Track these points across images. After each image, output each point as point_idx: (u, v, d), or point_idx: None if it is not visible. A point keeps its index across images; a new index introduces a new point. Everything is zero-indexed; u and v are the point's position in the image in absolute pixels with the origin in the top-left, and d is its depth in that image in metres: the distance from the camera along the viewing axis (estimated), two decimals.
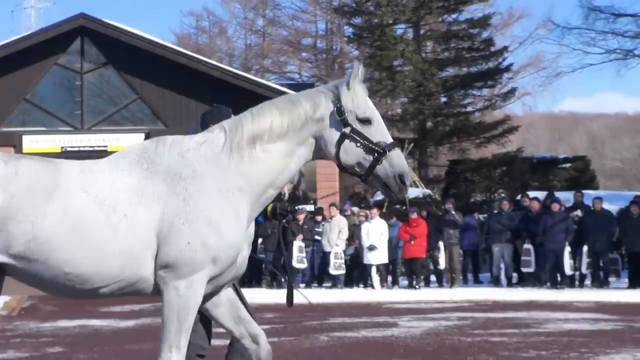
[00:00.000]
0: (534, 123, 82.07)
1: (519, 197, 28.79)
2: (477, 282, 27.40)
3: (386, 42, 43.41)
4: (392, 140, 6.01)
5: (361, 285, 25.99)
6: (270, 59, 64.79)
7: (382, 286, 25.66)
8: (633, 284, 24.07)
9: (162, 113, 31.68)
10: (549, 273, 24.57)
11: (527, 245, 24.86)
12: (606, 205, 25.93)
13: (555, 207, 24.63)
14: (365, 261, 25.67)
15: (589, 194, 29.83)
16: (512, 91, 48.13)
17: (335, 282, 25.72)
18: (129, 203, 5.78)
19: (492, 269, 26.51)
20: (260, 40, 66.11)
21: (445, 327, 15.32)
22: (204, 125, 7.30)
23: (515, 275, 26.19)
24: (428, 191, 37.40)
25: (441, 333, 14.19)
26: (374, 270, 25.76)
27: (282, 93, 32.63)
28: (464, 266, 27.45)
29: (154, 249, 5.79)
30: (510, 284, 25.62)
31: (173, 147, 6.00)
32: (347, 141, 5.96)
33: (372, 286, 25.62)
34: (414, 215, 25.80)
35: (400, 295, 23.29)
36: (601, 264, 24.87)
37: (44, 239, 5.70)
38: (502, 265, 26.17)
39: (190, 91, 31.51)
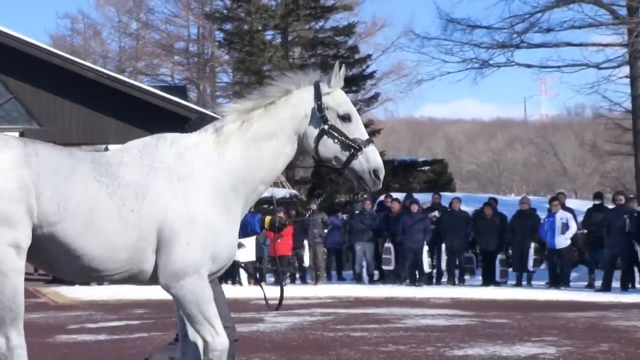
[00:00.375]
0: (396, 127, 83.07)
1: (381, 198, 29.05)
2: (341, 279, 27.58)
3: (255, 48, 43.41)
4: (367, 137, 6.20)
5: (229, 282, 25.90)
6: (144, 61, 64.30)
7: (250, 283, 25.61)
8: (486, 282, 24.59)
9: (37, 112, 31.04)
10: (408, 271, 24.90)
11: (388, 244, 25.18)
12: (462, 207, 26.38)
13: (415, 208, 24.96)
14: (234, 259, 25.57)
15: (446, 195, 30.31)
16: (375, 97, 48.62)
17: None
18: (136, 198, 5.83)
19: (354, 267, 26.72)
20: (134, 43, 65.55)
21: (309, 322, 15.38)
22: None
23: (376, 272, 26.44)
24: (294, 191, 37.56)
25: (305, 328, 14.24)
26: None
27: (154, 95, 32.38)
28: (327, 264, 27.60)
29: (154, 245, 5.85)
30: (371, 281, 25.85)
31: (172, 146, 6.08)
32: (325, 137, 6.12)
33: (240, 283, 25.58)
34: (281, 214, 25.81)
35: (266, 291, 23.23)
36: (457, 263, 25.30)
37: (68, 222, 5.70)
38: (364, 263, 26.37)
39: (64, 92, 30.95)
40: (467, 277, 25.76)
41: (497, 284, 24.39)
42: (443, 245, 25.02)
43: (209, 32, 61.16)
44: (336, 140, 6.13)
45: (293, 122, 6.15)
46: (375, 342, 12.39)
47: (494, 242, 24.64)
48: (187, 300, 5.88)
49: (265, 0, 45.26)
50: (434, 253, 25.17)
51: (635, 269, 23.01)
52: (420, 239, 24.47)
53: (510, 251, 25.23)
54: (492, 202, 26.11)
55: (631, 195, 27.42)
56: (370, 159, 6.17)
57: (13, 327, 5.63)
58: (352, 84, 46.43)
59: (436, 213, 25.78)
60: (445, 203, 26.73)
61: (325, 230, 26.56)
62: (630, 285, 22.60)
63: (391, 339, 12.71)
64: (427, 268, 24.77)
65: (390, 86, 61.81)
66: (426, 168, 45.63)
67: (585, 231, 24.72)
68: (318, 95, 6.19)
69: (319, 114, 6.14)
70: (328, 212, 28.68)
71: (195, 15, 62.24)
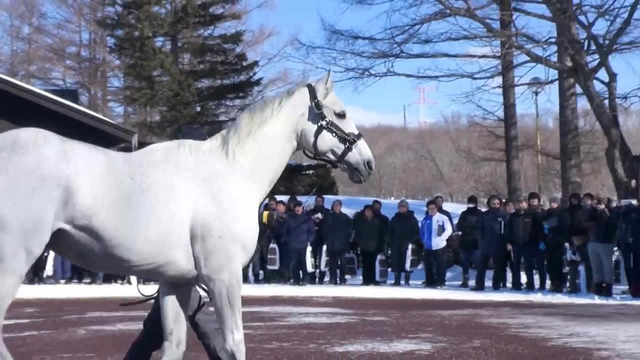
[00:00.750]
0: None
1: (266, 200, 29.05)
2: None
3: (146, 54, 43.10)
4: (359, 132, 6.65)
5: (119, 281, 25.59)
6: (36, 65, 63.16)
7: (139, 282, 25.35)
8: (366, 281, 24.80)
9: None
10: (292, 271, 24.95)
11: (273, 245, 25.15)
12: (344, 209, 26.56)
13: (298, 210, 25.04)
14: None
15: (329, 198, 30.47)
16: None
17: (94, 278, 25.22)
18: (168, 196, 6.05)
19: None
20: (26, 47, 64.37)
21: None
22: None
23: (261, 272, 26.39)
24: None
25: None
26: None
27: (46, 98, 31.81)
28: None
29: (186, 240, 6.07)
30: (257, 281, 25.81)
31: (192, 150, 6.34)
32: (324, 132, 6.55)
33: (129, 282, 25.29)
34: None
35: (155, 289, 23.08)
36: (339, 263, 25.45)
37: (104, 215, 5.86)
38: (250, 264, 26.33)
39: None
40: (348, 276, 25.92)
41: (376, 283, 24.63)
42: (324, 246, 25.14)
43: (101, 38, 60.45)
44: (334, 134, 6.55)
45: (292, 122, 6.55)
46: (259, 339, 12.36)
47: (373, 243, 24.87)
48: (223, 294, 6.11)
49: (156, 7, 44.92)
50: (317, 254, 25.27)
51: (508, 269, 23.47)
52: (304, 240, 24.57)
53: (389, 252, 25.47)
54: (374, 205, 26.33)
55: (504, 200, 27.94)
56: (363, 151, 6.61)
57: None
58: (239, 90, 46.49)
59: (319, 215, 25.88)
60: (328, 205, 26.85)
61: None
62: (501, 285, 23.08)
63: (275, 336, 12.71)
64: (310, 268, 24.87)
65: (277, 93, 61.86)
66: (310, 172, 45.83)
67: (460, 233, 25.13)
68: (313, 95, 6.57)
69: (317, 111, 6.54)
70: None
71: (87, 20, 61.47)
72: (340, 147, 6.57)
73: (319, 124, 6.54)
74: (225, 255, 6.10)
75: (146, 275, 6.31)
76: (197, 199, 6.12)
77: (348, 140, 6.57)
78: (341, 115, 6.63)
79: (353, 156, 6.57)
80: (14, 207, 5.60)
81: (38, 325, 14.56)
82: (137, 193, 5.99)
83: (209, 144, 6.46)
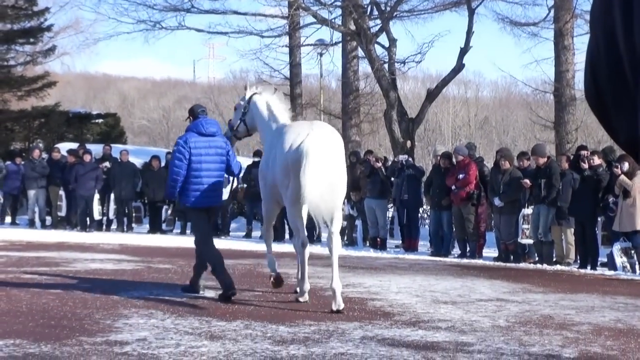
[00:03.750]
0: (72, 81, 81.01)
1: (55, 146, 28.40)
2: (14, 223, 26.74)
3: None
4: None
5: None
6: None
7: None
8: (153, 230, 24.65)
9: None
10: (79, 218, 24.51)
11: (61, 192, 24.65)
12: (132, 159, 26.23)
13: (87, 158, 24.57)
14: None
15: (117, 147, 30.01)
16: (52, 49, 47.15)
17: None
18: None
19: (28, 212, 26.02)
20: None
21: None
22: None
23: (48, 218, 25.86)
24: None
25: None
26: None
27: None
28: (3, 208, 26.69)
29: None
30: (44, 227, 25.25)
31: None
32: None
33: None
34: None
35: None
36: (126, 211, 25.17)
37: None
38: (37, 209, 25.71)
39: None
40: (135, 225, 25.67)
41: (163, 232, 24.50)
42: (112, 194, 24.79)
43: None
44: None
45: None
46: (45, 284, 12.10)
47: (161, 193, 24.67)
48: None
49: None
50: (105, 202, 24.90)
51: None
52: (92, 188, 24.14)
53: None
54: (167, 156, 26.13)
55: None
56: None
57: None
58: (29, 36, 44.90)
59: (107, 164, 25.47)
60: (116, 154, 26.45)
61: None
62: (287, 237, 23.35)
63: (61, 281, 12.46)
64: (97, 215, 24.47)
65: (68, 41, 60.28)
66: (100, 121, 45.04)
67: (245, 185, 25.26)
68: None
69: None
70: (4, 157, 27.72)
71: None
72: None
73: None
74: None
75: None
76: None
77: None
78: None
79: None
80: None
81: None
82: None
83: None
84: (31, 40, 45.72)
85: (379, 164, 21.91)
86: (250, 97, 11.92)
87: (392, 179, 21.99)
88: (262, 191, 11.73)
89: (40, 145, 29.03)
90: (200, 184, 11.05)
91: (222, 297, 10.98)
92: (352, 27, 33.48)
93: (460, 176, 19.76)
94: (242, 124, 12.10)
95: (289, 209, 10.53)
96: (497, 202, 19.15)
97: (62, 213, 24.99)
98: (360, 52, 35.77)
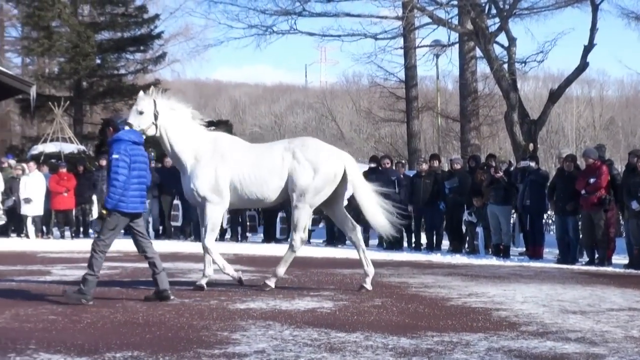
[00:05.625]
0: (182, 88, 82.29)
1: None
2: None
3: (44, 3, 42.14)
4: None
5: (17, 235, 25.32)
6: None
7: (37, 236, 25.04)
8: (267, 239, 24.82)
9: None
10: (193, 227, 24.82)
11: (176, 201, 25.00)
12: None
13: None
14: (22, 212, 25.01)
15: None
16: (163, 56, 48.04)
17: None
18: None
19: None
20: None
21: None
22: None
23: (161, 228, 26.27)
24: (82, 147, 36.82)
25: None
26: (29, 221, 25.15)
27: None
28: None
29: None
30: (157, 236, 25.66)
31: None
32: None
33: (27, 236, 24.98)
34: (64, 169, 25.54)
35: (54, 245, 22.81)
36: (240, 220, 25.39)
37: None
38: (150, 219, 26.14)
39: None
40: (249, 234, 25.91)
41: (278, 241, 24.67)
42: None
43: None
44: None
45: None
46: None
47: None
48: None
49: None
50: None
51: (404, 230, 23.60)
52: None
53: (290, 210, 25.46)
54: None
55: (403, 161, 28.11)
56: None
57: None
58: (139, 44, 45.83)
59: None
60: None
61: None
62: (407, 245, 23.27)
63: (176, 292, 12.65)
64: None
65: (178, 48, 61.34)
66: (212, 128, 45.65)
67: None
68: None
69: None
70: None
71: None
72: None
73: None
74: None
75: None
76: None
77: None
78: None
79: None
80: None
81: None
82: None
83: None
84: (141, 48, 46.68)
85: (500, 174, 21.55)
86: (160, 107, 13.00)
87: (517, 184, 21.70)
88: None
89: (152, 154, 29.51)
90: (137, 190, 11.60)
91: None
92: (470, 26, 33.24)
93: (591, 180, 19.36)
94: (154, 127, 13.06)
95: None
96: (635, 205, 18.65)
97: (178, 223, 25.33)
98: (478, 53, 35.52)
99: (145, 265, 16.89)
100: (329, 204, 13.41)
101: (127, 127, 11.82)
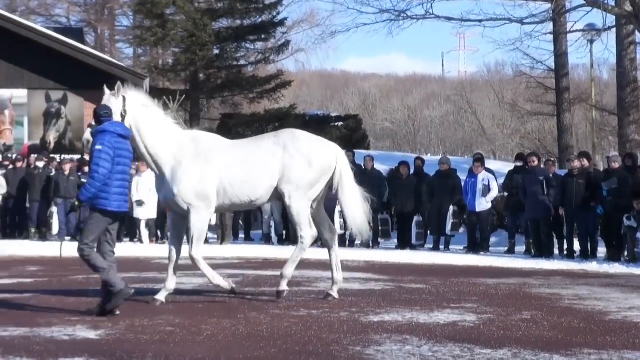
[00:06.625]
0: (307, 80, 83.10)
1: None
2: (248, 239, 27.57)
3: None
4: None
5: (130, 240, 25.78)
6: (37, 0, 62.92)
7: (151, 241, 25.50)
8: (402, 245, 24.77)
9: None
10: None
11: None
12: (377, 166, 26.48)
13: None
14: (134, 215, 25.44)
15: (360, 153, 30.40)
16: (286, 45, 48.26)
17: None
18: None
19: (262, 227, 26.67)
20: None
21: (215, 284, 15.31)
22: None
23: (285, 232, 26.42)
24: None
25: (211, 290, 14.18)
26: (143, 224, 25.60)
27: (49, 37, 31.81)
28: (235, 223, 27.50)
29: None
30: (280, 242, 25.85)
31: None
32: None
33: (141, 241, 25.43)
34: None
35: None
36: (371, 224, 25.35)
37: None
38: (273, 223, 26.35)
39: None
40: (381, 240, 25.89)
41: (413, 247, 24.60)
42: None
43: None
44: None
45: None
46: (286, 305, 12.39)
47: (410, 204, 24.80)
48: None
49: None
50: None
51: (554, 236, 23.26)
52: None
53: (427, 214, 25.33)
54: (416, 162, 26.16)
55: (552, 159, 27.74)
56: None
57: None
58: (260, 32, 46.11)
59: None
60: (359, 162, 26.73)
61: None
62: (558, 253, 22.93)
63: (303, 302, 12.73)
64: (339, 229, 24.69)
65: (302, 36, 61.84)
66: (339, 124, 45.70)
67: (506, 194, 25.02)
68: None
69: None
70: None
71: None
72: None
73: None
74: None
75: None
76: None
77: None
78: None
79: None
80: None
81: (42, 285, 14.65)
82: None
83: None
84: (262, 36, 46.99)
85: None
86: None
87: None
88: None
89: None
90: (121, 187, 11.55)
91: (98, 310, 11.32)
92: (628, 7, 32.59)
93: None
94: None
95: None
96: None
97: None
98: (638, 37, 34.81)
99: (268, 272, 17.11)
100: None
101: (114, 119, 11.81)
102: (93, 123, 11.82)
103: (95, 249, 11.42)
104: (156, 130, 12.73)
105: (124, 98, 12.34)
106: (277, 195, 13.11)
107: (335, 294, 13.27)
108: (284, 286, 13.18)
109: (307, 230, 13.17)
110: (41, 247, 22.76)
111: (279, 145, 12.94)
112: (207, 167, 12.65)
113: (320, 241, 14.68)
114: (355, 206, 13.59)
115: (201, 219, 12.69)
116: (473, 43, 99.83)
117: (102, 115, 11.70)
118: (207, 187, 12.62)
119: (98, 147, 11.32)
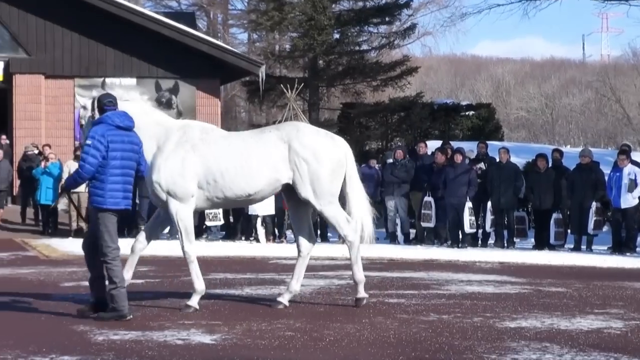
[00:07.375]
0: (435, 66, 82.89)
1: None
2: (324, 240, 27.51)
3: None
4: None
5: (246, 238, 25.95)
6: None
7: (268, 240, 25.63)
8: (539, 245, 24.51)
9: (24, 40, 31.12)
10: (449, 230, 24.79)
11: (428, 198, 24.87)
12: (513, 159, 26.23)
13: (458, 158, 24.73)
14: (250, 212, 25.52)
15: (494, 144, 30.19)
16: (412, 28, 48.04)
17: (209, 234, 25.75)
18: None
19: (387, 225, 26.48)
20: None
21: (337, 286, 15.37)
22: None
23: (412, 231, 26.29)
24: None
25: (333, 292, 14.26)
26: (259, 222, 25.72)
27: (158, 22, 32.24)
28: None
29: None
30: (407, 241, 25.75)
31: None
32: None
33: (257, 240, 25.60)
34: None
35: (287, 250, 23.26)
36: (506, 222, 25.17)
37: None
38: (398, 221, 26.26)
39: (56, 16, 30.96)
40: (517, 239, 25.67)
41: (552, 247, 24.34)
42: (489, 203, 24.83)
43: None
44: None
45: None
46: (414, 310, 12.38)
47: (549, 200, 24.50)
48: None
49: None
50: (480, 211, 25.00)
51: None
52: (463, 195, 24.33)
53: (568, 211, 25.02)
54: (554, 154, 25.81)
55: None
56: None
57: None
58: (384, 14, 45.94)
59: (482, 165, 25.58)
60: (492, 154, 26.52)
61: None
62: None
63: (433, 307, 12.70)
64: (469, 228, 24.61)
65: (429, 18, 61.68)
66: (470, 113, 45.39)
67: None
68: None
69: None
70: (359, 159, 28.57)
71: None
72: None
73: None
74: None
75: None
76: None
77: None
78: None
79: None
80: None
81: (155, 286, 14.89)
82: None
83: None
84: (387, 19, 46.82)
85: None
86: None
87: None
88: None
89: (401, 144, 29.72)
90: (118, 183, 11.44)
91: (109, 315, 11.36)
92: None
93: None
94: None
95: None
96: None
97: (431, 224, 25.26)
98: None
99: (394, 274, 17.12)
100: (296, 201, 13.06)
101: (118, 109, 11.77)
102: (96, 114, 11.87)
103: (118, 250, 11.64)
104: (136, 120, 12.23)
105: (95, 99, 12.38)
106: (284, 188, 12.94)
107: (285, 302, 12.76)
108: (362, 293, 12.98)
109: (346, 228, 12.91)
110: (152, 245, 23.04)
111: (284, 141, 12.73)
112: (190, 157, 12.47)
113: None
114: (364, 204, 13.30)
115: (182, 211, 12.51)
116: (617, 24, 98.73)
117: (105, 104, 11.72)
118: (187, 177, 12.43)
119: (88, 141, 11.42)
